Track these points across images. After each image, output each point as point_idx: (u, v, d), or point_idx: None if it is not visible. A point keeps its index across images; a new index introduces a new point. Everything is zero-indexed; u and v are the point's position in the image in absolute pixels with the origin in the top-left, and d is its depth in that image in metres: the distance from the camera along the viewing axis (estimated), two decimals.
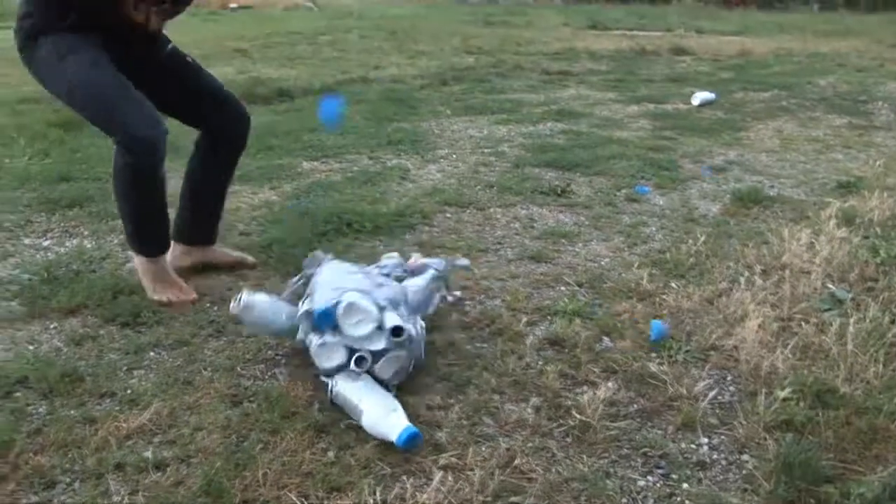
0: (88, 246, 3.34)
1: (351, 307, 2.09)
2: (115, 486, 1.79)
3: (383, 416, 1.92)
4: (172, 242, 2.95)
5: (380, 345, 2.06)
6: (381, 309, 2.11)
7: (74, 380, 2.23)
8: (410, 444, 1.86)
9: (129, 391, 2.18)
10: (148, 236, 2.83)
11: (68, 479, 1.82)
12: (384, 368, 2.06)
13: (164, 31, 2.85)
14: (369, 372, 2.06)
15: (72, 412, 2.09)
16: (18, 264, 3.17)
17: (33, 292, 2.85)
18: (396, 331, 2.05)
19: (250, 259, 3.08)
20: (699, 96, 6.58)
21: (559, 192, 3.82)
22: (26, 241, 3.47)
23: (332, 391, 2.05)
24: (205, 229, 3.08)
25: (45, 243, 3.44)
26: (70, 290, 2.81)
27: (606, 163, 4.35)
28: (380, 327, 2.08)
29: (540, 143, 4.81)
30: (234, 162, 3.09)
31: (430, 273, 2.44)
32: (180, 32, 10.23)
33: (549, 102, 6.30)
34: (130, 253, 2.91)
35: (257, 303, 2.28)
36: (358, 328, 2.08)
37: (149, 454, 1.89)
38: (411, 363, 2.12)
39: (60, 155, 4.90)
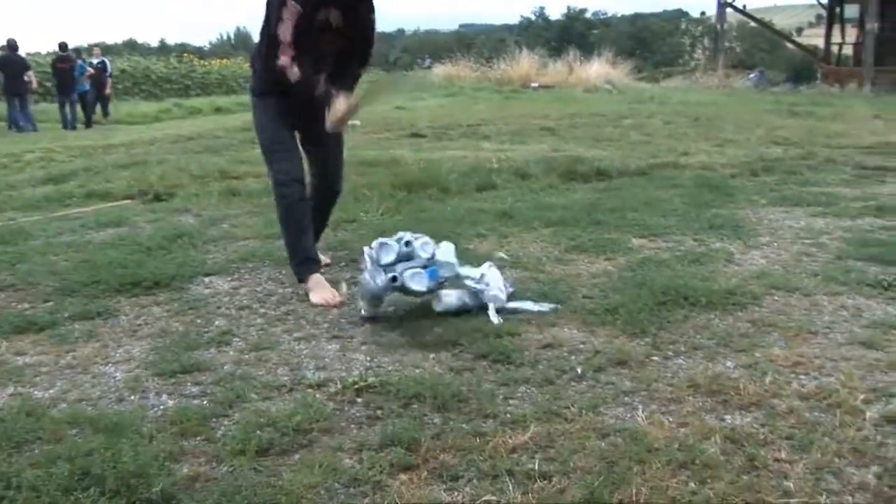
0: None
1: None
2: (510, 486, 2.22)
3: None
4: None
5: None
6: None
7: (461, 400, 2.74)
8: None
9: (508, 415, 2.64)
10: (298, 259, 4.07)
11: (469, 476, 2.29)
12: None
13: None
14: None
15: (463, 425, 2.57)
16: (391, 302, 3.78)
17: (409, 327, 3.44)
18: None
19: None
20: None
21: (885, 285, 3.93)
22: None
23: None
24: None
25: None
26: (442, 328, 3.38)
27: None
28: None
29: (861, 238, 4.89)
30: (326, 210, 4.46)
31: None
32: (489, 109, 11.26)
33: (866, 198, 6.29)
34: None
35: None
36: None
37: (534, 466, 2.32)
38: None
39: (408, 213, 5.64)
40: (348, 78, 4.02)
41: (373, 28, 4.09)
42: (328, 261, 4.46)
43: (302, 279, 4.04)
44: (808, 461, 2.31)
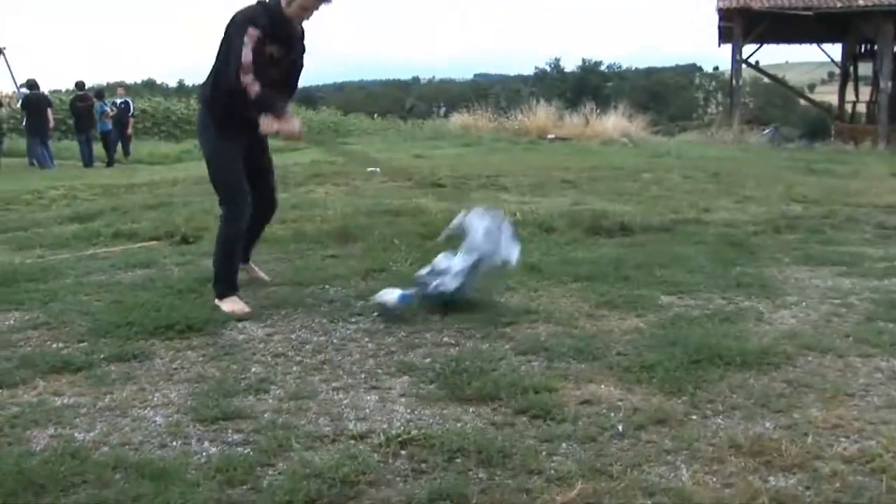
0: (484, 347, 3.95)
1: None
2: None
3: None
4: None
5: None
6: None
7: (505, 455, 2.76)
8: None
9: (553, 471, 2.66)
10: (227, 283, 4.65)
11: None
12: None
13: None
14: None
15: (509, 481, 2.59)
16: (428, 354, 3.83)
17: (447, 380, 3.45)
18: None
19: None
20: None
21: None
22: (428, 335, 4.14)
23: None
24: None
25: (445, 339, 4.09)
26: (480, 382, 3.38)
27: None
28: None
29: (889, 299, 4.88)
30: (263, 224, 5.09)
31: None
32: (507, 160, 11.32)
33: (891, 258, 6.28)
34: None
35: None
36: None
37: None
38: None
39: None
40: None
41: (302, 64, 4.80)
42: (266, 278, 5.22)
43: (221, 298, 4.61)
44: None
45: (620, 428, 2.97)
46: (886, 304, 4.79)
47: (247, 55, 4.29)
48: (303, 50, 4.75)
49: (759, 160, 16.42)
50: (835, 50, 32.29)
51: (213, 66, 4.60)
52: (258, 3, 4.49)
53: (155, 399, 3.34)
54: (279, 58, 4.51)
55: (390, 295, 4.42)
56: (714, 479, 2.60)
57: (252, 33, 4.30)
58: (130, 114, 21.07)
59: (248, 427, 3.03)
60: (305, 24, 4.67)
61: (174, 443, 2.92)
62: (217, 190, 4.75)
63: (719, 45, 29.17)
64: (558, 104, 27.09)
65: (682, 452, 2.79)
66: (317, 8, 4.52)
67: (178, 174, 14.27)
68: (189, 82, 76.38)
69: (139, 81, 73.90)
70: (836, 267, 5.91)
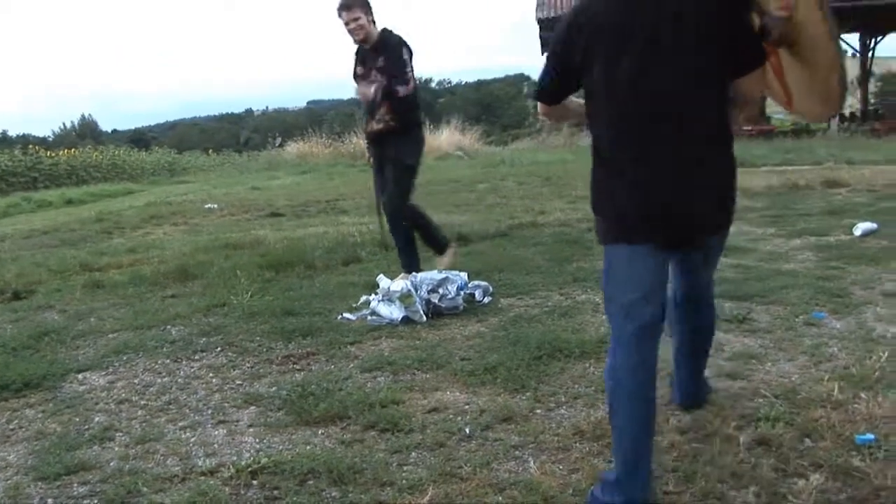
0: (330, 368, 3.94)
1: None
2: None
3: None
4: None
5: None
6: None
7: (356, 471, 2.77)
8: None
9: (404, 481, 2.68)
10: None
11: None
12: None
13: None
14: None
15: (361, 496, 2.60)
16: (274, 383, 3.79)
17: (295, 405, 3.43)
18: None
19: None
20: (861, 227, 6.74)
21: (741, 319, 4.19)
22: (272, 364, 4.09)
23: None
24: None
25: (290, 365, 4.05)
26: (327, 403, 3.38)
27: (780, 292, 4.68)
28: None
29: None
30: None
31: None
32: (345, 184, 11.18)
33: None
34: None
35: None
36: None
37: None
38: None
39: (278, 293, 5.60)
40: None
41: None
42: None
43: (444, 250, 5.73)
44: (694, 490, 2.45)
45: (468, 430, 3.03)
46: None
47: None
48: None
49: (585, 161, 16.83)
50: None
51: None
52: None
53: None
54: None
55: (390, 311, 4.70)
56: (561, 467, 2.69)
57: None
58: None
59: (93, 478, 2.91)
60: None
61: None
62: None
63: (542, 53, 30.07)
64: None
65: (528, 446, 2.87)
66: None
67: (6, 229, 13.55)
68: (13, 132, 72.09)
69: None
70: None
